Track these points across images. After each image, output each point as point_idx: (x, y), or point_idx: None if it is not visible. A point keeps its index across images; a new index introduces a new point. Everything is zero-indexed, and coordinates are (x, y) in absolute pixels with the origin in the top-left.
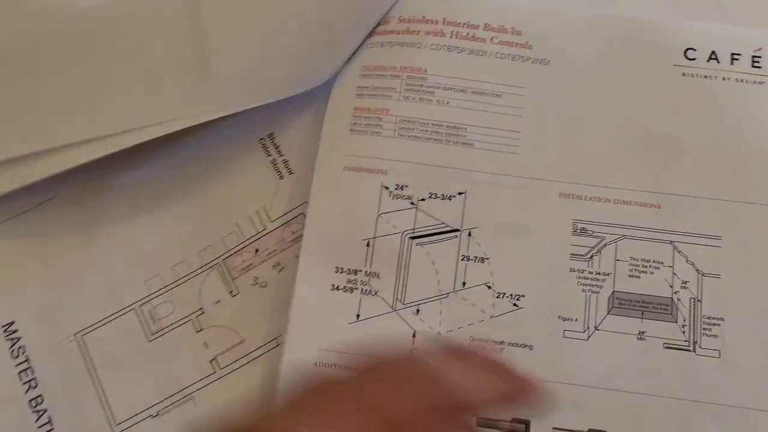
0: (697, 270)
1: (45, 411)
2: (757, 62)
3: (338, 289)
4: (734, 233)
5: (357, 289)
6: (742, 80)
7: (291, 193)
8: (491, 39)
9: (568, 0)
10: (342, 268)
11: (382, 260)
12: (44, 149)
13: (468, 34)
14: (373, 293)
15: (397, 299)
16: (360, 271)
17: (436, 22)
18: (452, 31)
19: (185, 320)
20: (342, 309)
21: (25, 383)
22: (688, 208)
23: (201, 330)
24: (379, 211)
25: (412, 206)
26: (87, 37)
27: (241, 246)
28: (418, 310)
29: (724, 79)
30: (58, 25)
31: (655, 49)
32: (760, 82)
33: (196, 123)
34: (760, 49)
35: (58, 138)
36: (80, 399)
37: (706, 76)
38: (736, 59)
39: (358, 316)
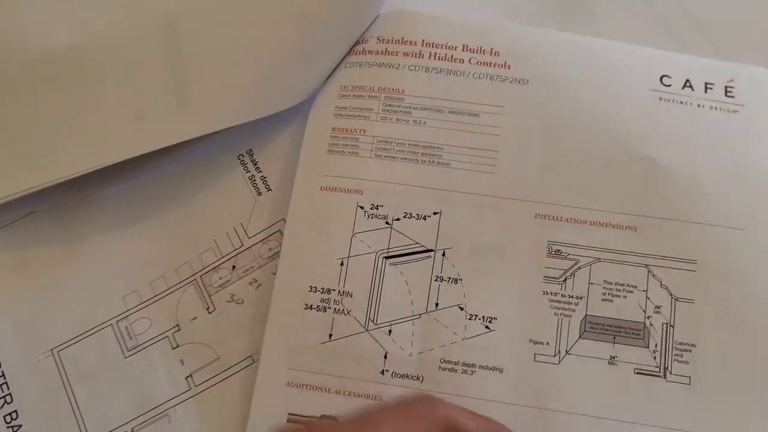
0: (671, 294)
1: (20, 426)
2: (730, 92)
3: (311, 308)
4: (709, 257)
5: (330, 308)
6: (716, 108)
7: (269, 209)
8: (470, 60)
9: (547, 21)
10: (316, 287)
11: (355, 280)
12: (29, 187)
13: (446, 55)
14: (346, 313)
15: (369, 319)
16: (333, 290)
17: (415, 44)
18: (431, 53)
19: (162, 336)
20: (315, 328)
21: (0, 398)
22: (664, 231)
23: (177, 347)
24: (353, 230)
25: (387, 226)
26: (69, 72)
27: (218, 262)
28: (390, 331)
29: (699, 105)
30: (38, 60)
31: (633, 73)
32: (734, 111)
33: (172, 143)
34: (732, 80)
35: (42, 171)
36: (56, 415)
37: (681, 102)
38: (710, 88)
39: (330, 335)
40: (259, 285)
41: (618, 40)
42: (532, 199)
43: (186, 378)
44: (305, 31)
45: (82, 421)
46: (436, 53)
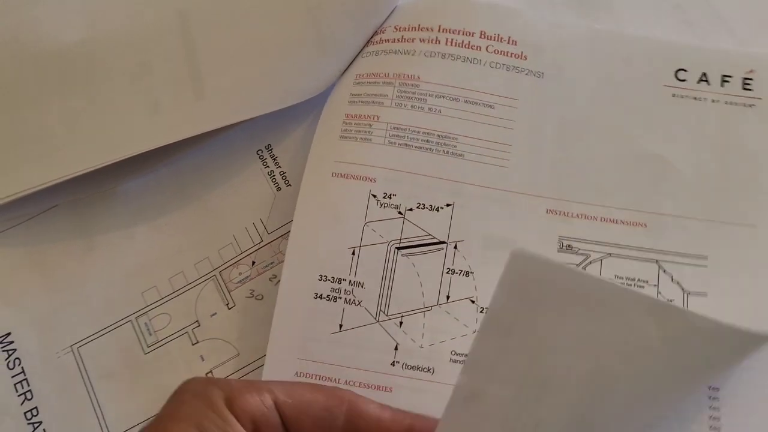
0: (683, 289)
1: (40, 423)
2: (748, 84)
3: (321, 298)
4: (720, 254)
5: (341, 298)
6: (731, 102)
7: (288, 205)
8: (486, 47)
9: (567, 12)
10: (326, 276)
11: (367, 270)
12: (49, 180)
13: (463, 41)
14: (357, 303)
15: (380, 310)
16: (344, 280)
17: (431, 30)
18: (447, 39)
19: (181, 332)
20: (325, 318)
21: (20, 395)
22: (675, 228)
23: (197, 343)
24: (366, 219)
25: (400, 216)
26: (83, 66)
27: (237, 258)
28: (401, 322)
29: (713, 101)
30: (52, 55)
31: (647, 68)
32: (750, 105)
33: (190, 135)
34: (751, 71)
35: (62, 165)
36: (76, 411)
37: (695, 98)
38: (727, 81)
39: (340, 326)
40: (279, 281)
41: (636, 31)
42: (544, 194)
43: (206, 374)
44: (321, 23)
45: (102, 417)
46: (452, 39)
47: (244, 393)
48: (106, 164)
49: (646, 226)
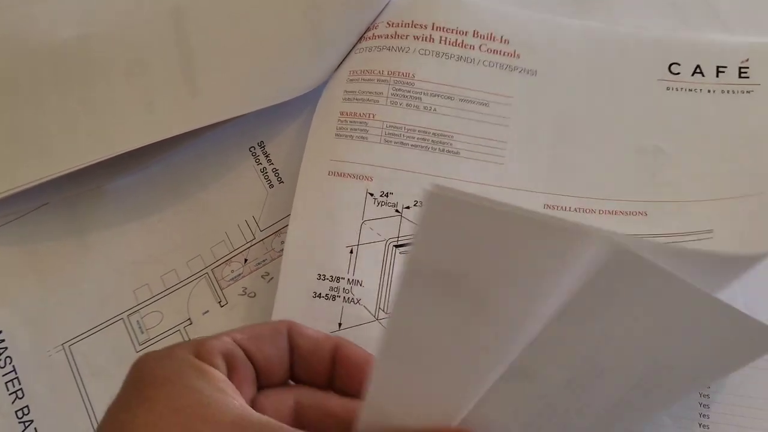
0: None
1: (31, 422)
2: (745, 72)
3: (320, 297)
4: (726, 225)
5: (339, 297)
6: (728, 91)
7: (281, 202)
8: (479, 46)
9: (560, 9)
10: (324, 275)
11: (365, 268)
12: (43, 176)
13: (457, 40)
14: (356, 301)
15: (379, 308)
16: (343, 278)
17: (425, 27)
18: (441, 37)
19: (173, 330)
20: (324, 317)
21: (11, 393)
22: (676, 212)
23: (189, 341)
24: (363, 218)
25: (397, 213)
26: (78, 63)
27: (230, 256)
28: None
29: (709, 92)
30: (47, 52)
31: (640, 63)
32: (748, 91)
33: (184, 131)
34: (747, 60)
35: (57, 163)
36: (67, 410)
37: (690, 90)
38: (722, 72)
39: (340, 324)
40: (272, 278)
41: (629, 25)
42: (541, 189)
43: None
44: (315, 19)
45: (94, 415)
46: (446, 38)
47: (206, 342)
48: (100, 160)
49: (646, 214)
